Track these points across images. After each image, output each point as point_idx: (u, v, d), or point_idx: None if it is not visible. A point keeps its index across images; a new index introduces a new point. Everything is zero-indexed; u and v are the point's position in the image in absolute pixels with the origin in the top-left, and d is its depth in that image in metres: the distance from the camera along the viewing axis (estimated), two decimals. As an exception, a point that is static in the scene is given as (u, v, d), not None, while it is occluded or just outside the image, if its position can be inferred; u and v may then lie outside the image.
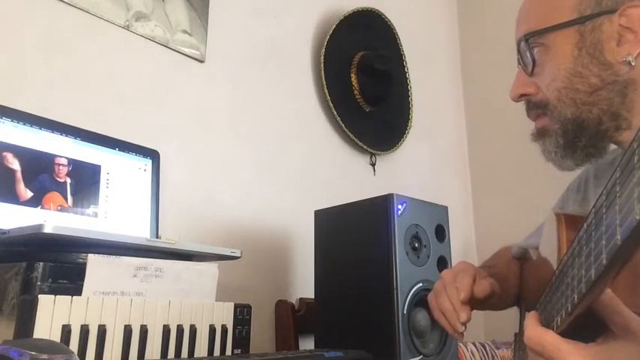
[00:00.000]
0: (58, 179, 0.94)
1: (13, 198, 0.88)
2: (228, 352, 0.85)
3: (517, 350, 0.88)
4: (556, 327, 0.49)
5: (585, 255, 0.41)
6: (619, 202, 0.35)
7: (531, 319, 0.53)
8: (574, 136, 0.73)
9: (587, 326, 0.48)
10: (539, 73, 0.75)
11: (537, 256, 0.79)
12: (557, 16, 0.72)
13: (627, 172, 0.34)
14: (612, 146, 0.76)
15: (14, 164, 0.89)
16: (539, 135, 0.78)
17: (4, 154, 0.88)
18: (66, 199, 0.94)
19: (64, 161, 0.95)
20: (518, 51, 0.78)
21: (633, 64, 0.67)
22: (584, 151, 0.73)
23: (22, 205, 0.88)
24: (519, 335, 0.86)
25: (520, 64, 0.79)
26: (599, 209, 0.39)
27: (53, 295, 0.66)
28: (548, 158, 0.77)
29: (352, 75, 1.71)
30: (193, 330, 0.80)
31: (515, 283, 0.91)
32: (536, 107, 0.77)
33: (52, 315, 0.65)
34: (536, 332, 0.50)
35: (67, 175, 0.95)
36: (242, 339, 0.87)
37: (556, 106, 0.73)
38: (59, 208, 0.93)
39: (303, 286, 1.42)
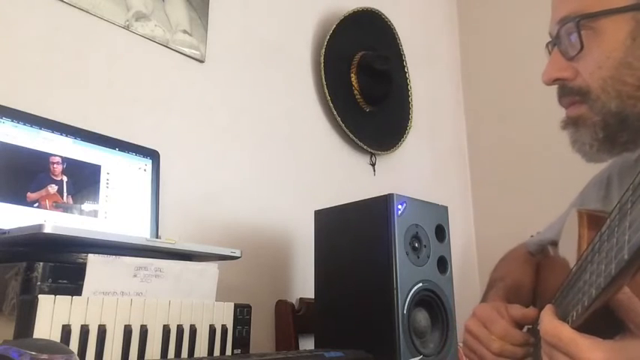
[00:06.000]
0: (54, 177, 0.94)
1: (10, 196, 0.88)
2: (228, 352, 0.84)
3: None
4: (571, 321, 0.49)
5: (606, 250, 0.41)
6: None
7: (547, 311, 0.52)
8: (616, 130, 0.68)
9: (602, 323, 0.47)
10: (582, 58, 0.69)
11: (555, 253, 0.77)
12: None
13: None
14: None
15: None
16: (573, 123, 0.72)
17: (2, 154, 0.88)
18: (62, 196, 0.94)
19: (58, 159, 0.95)
20: (558, 31, 0.71)
21: None
22: (623, 147, 0.69)
23: (19, 204, 0.88)
24: (533, 331, 0.85)
25: (555, 45, 0.73)
26: (625, 204, 0.38)
27: (53, 295, 0.66)
28: (578, 149, 0.72)
29: (352, 75, 1.71)
30: (193, 330, 0.80)
31: (530, 285, 0.89)
32: (572, 94, 0.71)
33: (52, 315, 0.65)
34: (552, 325, 0.49)
35: (63, 173, 0.95)
36: (242, 339, 0.87)
37: (599, 96, 0.68)
38: (54, 204, 0.93)
39: (303, 286, 1.42)
